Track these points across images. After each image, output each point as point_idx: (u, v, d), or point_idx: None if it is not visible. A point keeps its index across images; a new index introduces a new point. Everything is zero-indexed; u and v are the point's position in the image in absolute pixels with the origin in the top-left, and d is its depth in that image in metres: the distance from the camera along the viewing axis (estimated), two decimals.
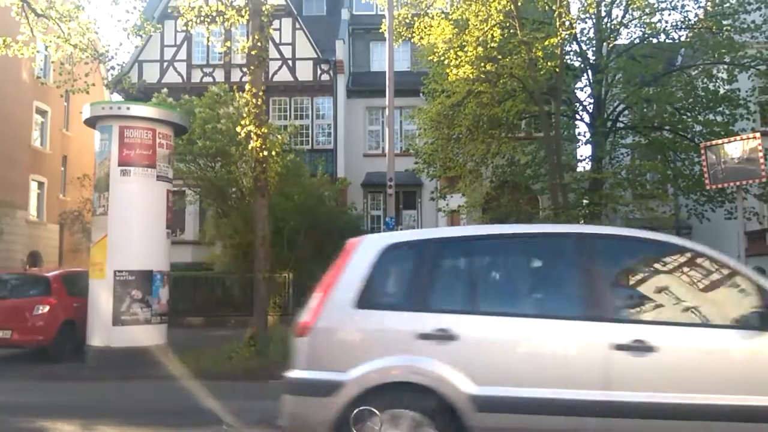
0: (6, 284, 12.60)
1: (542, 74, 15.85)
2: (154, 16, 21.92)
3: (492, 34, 15.66)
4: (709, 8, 16.64)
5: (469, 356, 4.55)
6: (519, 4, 15.61)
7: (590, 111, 17.73)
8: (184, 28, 12.60)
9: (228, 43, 12.75)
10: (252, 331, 11.21)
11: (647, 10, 16.00)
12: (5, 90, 24.56)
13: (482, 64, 15.74)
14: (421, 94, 20.40)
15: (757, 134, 11.34)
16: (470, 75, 15.65)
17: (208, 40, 22.57)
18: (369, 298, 4.85)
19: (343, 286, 4.99)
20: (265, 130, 11.39)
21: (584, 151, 20.60)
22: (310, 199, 18.89)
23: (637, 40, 16.96)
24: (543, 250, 5.22)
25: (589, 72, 17.50)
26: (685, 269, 5.03)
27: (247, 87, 11.50)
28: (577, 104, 18.45)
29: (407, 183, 23.00)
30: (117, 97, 21.73)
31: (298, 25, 24.54)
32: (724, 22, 16.15)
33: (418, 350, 4.57)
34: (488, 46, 15.80)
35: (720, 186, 12.75)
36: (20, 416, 7.82)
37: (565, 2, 15.74)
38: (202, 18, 11.96)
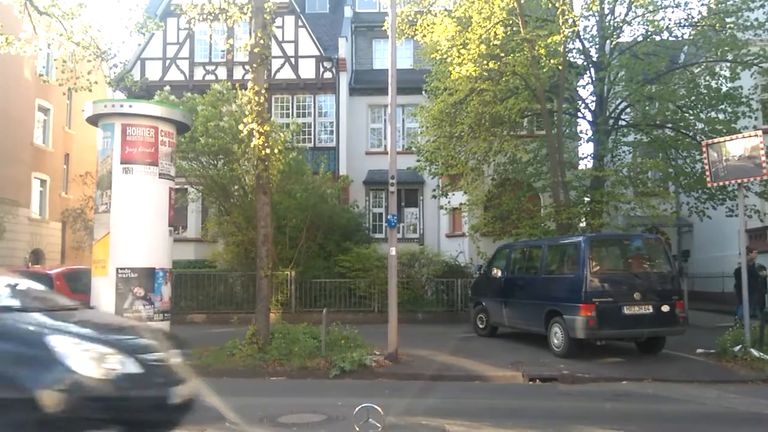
0: None
1: (545, 72, 15.85)
2: (157, 14, 21.96)
3: (495, 32, 15.66)
4: (712, 6, 16.61)
5: None
6: (522, 1, 15.63)
7: (592, 109, 17.73)
8: (187, 25, 12.65)
9: (230, 41, 12.73)
10: (254, 328, 11.24)
11: (650, 8, 15.98)
12: (8, 88, 24.62)
13: (485, 62, 15.74)
14: (423, 92, 20.41)
15: (759, 132, 11.36)
16: (473, 73, 15.66)
17: (210, 38, 22.75)
18: None
19: None
20: (268, 128, 11.39)
21: (586, 148, 20.63)
22: (312, 197, 18.92)
23: (640, 38, 16.93)
24: None
25: (592, 70, 17.50)
26: None
27: (249, 85, 11.50)
28: (580, 102, 18.45)
29: (409, 181, 23.03)
30: (119, 94, 21.73)
31: (300, 23, 24.55)
32: (727, 20, 16.12)
33: None
34: (491, 43, 15.80)
35: (721, 183, 12.78)
36: None
37: (568, 0, 15.75)
38: (204, 15, 11.96)
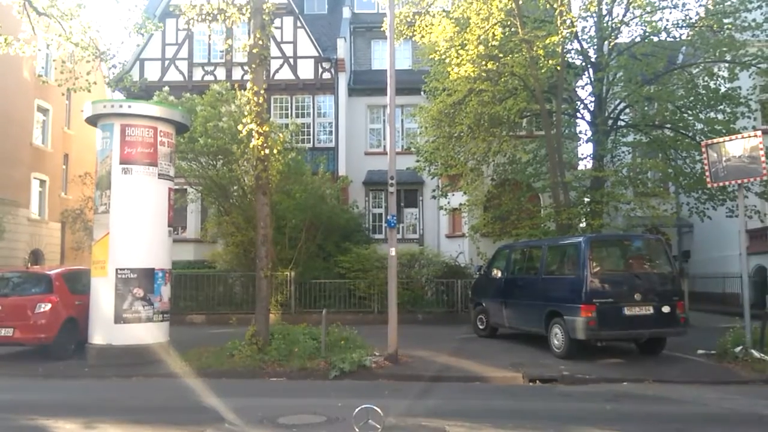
0: (8, 282, 12.59)
1: (543, 72, 15.85)
2: (156, 15, 21.94)
3: (493, 33, 15.66)
4: (710, 6, 16.63)
5: None
6: (520, 2, 15.62)
7: (591, 109, 17.72)
8: (186, 26, 12.59)
9: (229, 42, 12.70)
10: (254, 329, 11.23)
11: (648, 9, 15.99)
12: (7, 88, 24.58)
13: (483, 63, 15.75)
14: (422, 93, 20.41)
15: (758, 132, 11.35)
16: (471, 73, 15.66)
17: (209, 39, 22.73)
18: None
19: None
20: (267, 129, 11.38)
21: (585, 149, 20.61)
22: (311, 198, 18.92)
23: (638, 39, 16.94)
24: None
25: (590, 70, 17.49)
26: None
27: (248, 85, 11.49)
28: (578, 102, 18.45)
29: (408, 181, 23.02)
30: (118, 95, 21.73)
31: (299, 24, 24.54)
32: (725, 21, 16.13)
33: None
34: (489, 44, 15.80)
35: (721, 184, 12.77)
36: (22, 414, 7.85)
37: (566, 1, 15.74)
38: (203, 16, 11.94)
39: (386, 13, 12.46)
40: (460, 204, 18.95)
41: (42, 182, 27.43)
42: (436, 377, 10.25)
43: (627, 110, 18.16)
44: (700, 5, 17.19)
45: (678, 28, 17.05)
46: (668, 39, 16.95)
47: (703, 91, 16.99)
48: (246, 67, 13.04)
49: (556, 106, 16.84)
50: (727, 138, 11.99)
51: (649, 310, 11.37)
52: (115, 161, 11.40)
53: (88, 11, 13.43)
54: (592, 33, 17.29)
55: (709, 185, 13.21)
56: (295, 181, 18.92)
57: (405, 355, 11.50)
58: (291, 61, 24.37)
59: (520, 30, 15.42)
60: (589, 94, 18.18)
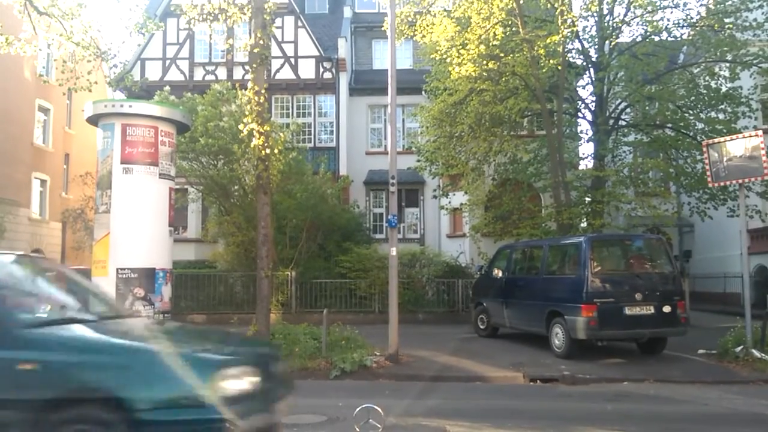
0: None
1: (544, 72, 15.84)
2: (157, 14, 21.92)
3: (494, 32, 15.66)
4: (711, 6, 16.62)
5: None
6: (521, 1, 15.62)
7: (592, 109, 17.72)
8: (187, 25, 12.60)
9: (230, 41, 12.68)
10: (255, 328, 11.22)
11: (649, 8, 15.97)
12: (8, 88, 24.61)
13: (484, 62, 15.74)
14: (423, 92, 20.41)
15: (759, 132, 11.35)
16: (472, 73, 15.66)
17: (210, 38, 22.71)
18: None
19: None
20: (268, 128, 11.37)
21: (586, 149, 20.62)
22: (312, 197, 18.91)
23: (639, 38, 16.93)
24: None
25: (591, 70, 17.49)
26: None
27: (249, 85, 11.48)
28: (579, 102, 18.45)
29: (409, 181, 23.01)
30: (119, 95, 21.70)
31: (300, 23, 24.53)
32: (726, 20, 16.12)
33: None
34: (490, 44, 15.80)
35: (722, 184, 12.77)
36: None
37: (567, 0, 15.73)
38: (204, 16, 11.92)
39: (387, 13, 12.47)
40: (461, 204, 18.95)
41: (43, 182, 27.45)
42: (436, 377, 10.25)
43: (628, 110, 18.16)
44: (701, 5, 17.20)
45: (679, 28, 17.07)
46: (669, 38, 16.94)
47: (704, 91, 16.99)
48: (247, 67, 13.03)
49: (557, 106, 16.84)
50: (728, 138, 11.99)
51: (650, 309, 11.36)
52: (116, 161, 11.39)
53: (89, 11, 13.43)
54: (593, 32, 17.29)
55: (710, 185, 13.22)
56: (296, 181, 18.92)
57: (406, 355, 11.50)
58: (292, 60, 24.36)
59: (521, 29, 15.42)
60: (590, 94, 18.17)
